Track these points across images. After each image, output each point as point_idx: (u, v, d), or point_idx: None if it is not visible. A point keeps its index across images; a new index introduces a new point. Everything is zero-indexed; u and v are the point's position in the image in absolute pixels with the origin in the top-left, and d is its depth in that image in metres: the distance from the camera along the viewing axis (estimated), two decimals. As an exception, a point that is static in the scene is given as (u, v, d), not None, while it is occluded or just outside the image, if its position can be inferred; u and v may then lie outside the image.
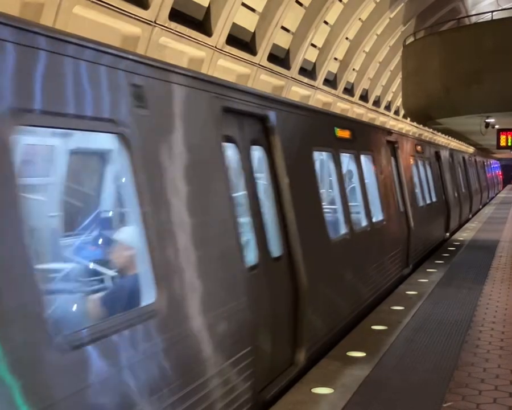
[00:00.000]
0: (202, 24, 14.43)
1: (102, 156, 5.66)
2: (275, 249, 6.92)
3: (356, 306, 9.60)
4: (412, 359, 7.45)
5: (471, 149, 44.22)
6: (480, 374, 6.90)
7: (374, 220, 11.23)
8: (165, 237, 4.72)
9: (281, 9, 17.03)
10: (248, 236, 6.47)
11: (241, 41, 16.64)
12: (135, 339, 4.24)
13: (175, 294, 4.76)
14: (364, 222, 10.71)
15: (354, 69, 25.65)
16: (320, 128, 9.21)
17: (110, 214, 5.81)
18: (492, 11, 18.62)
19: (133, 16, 11.73)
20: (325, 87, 22.99)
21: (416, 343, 8.14)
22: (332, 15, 20.99)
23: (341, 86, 24.56)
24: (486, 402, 6.13)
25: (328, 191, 11.32)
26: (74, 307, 4.94)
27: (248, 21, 16.80)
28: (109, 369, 3.92)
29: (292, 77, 19.82)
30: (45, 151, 5.58)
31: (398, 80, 28.36)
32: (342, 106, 25.27)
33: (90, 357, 3.78)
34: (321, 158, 10.46)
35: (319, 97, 22.73)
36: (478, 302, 10.39)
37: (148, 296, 4.51)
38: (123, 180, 4.71)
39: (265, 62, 17.66)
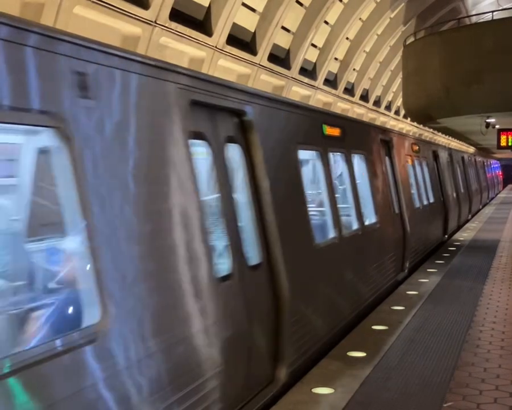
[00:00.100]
0: (202, 24, 14.43)
1: (33, 154, 4.68)
2: (253, 256, 6.37)
3: (345, 315, 9.07)
4: (413, 359, 7.45)
5: (471, 149, 44.20)
6: (480, 374, 6.90)
7: (366, 222, 10.71)
8: (114, 245, 4.16)
9: (282, 9, 17.03)
10: (220, 243, 5.97)
11: (241, 41, 16.64)
12: (71, 367, 3.64)
13: (126, 312, 4.15)
14: (355, 226, 10.16)
15: (354, 69, 25.65)
16: (305, 126, 8.63)
17: (45, 221, 4.87)
18: (492, 11, 18.61)
19: (133, 16, 11.73)
20: (326, 87, 22.99)
21: (416, 343, 8.14)
22: (332, 15, 20.99)
23: (342, 86, 24.56)
24: (486, 402, 6.13)
25: (315, 193, 10.68)
26: None
27: (248, 21, 16.80)
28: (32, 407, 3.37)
29: (292, 77, 19.82)
30: None
31: (398, 80, 28.36)
32: (342, 106, 25.27)
33: (10, 392, 3.24)
34: (307, 158, 9.89)
35: (319, 97, 22.73)
36: (479, 302, 10.38)
37: (91, 315, 3.92)
38: (61, 180, 4.07)
39: (265, 62, 17.66)
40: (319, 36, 20.76)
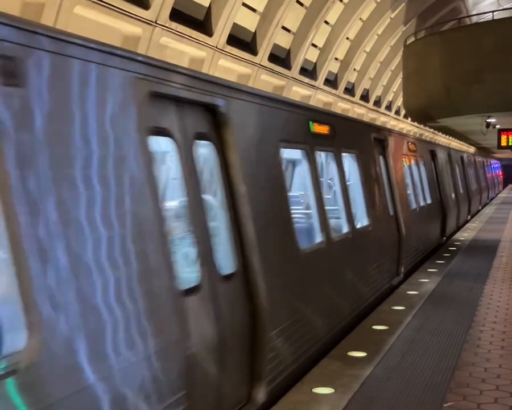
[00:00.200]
0: (202, 24, 14.43)
1: None
2: (226, 265, 5.81)
3: (333, 326, 8.51)
4: (413, 359, 7.45)
5: (472, 149, 44.19)
6: (481, 374, 6.90)
7: (357, 225, 10.16)
8: (45, 256, 3.60)
9: (282, 9, 17.03)
10: (187, 252, 5.46)
11: (242, 41, 16.64)
12: None
13: (60, 336, 3.54)
14: (345, 229, 9.55)
15: (354, 69, 25.65)
16: (290, 122, 7.99)
17: None
18: (493, 11, 18.62)
19: (134, 16, 11.74)
20: (326, 87, 22.99)
21: (416, 343, 8.14)
22: (333, 14, 20.99)
23: (342, 86, 24.56)
24: (487, 402, 6.13)
25: (300, 195, 10.35)
26: None
27: (249, 21, 16.80)
28: None
29: (292, 77, 19.82)
30: None
31: (399, 80, 28.36)
32: (342, 106, 25.27)
33: None
34: (291, 157, 9.53)
35: (320, 97, 22.73)
36: (479, 302, 10.38)
37: (13, 341, 3.33)
38: None
39: (266, 62, 17.66)
40: (319, 36, 20.76)
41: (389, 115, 32.99)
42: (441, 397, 6.23)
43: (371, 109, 29.43)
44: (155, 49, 12.42)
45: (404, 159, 15.13)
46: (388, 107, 32.80)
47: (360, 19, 23.01)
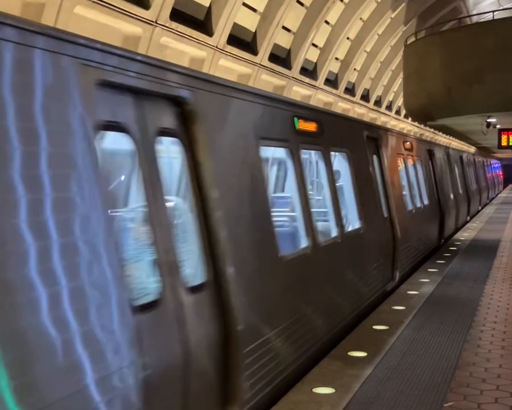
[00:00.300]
0: (203, 24, 14.42)
1: None
2: (194, 275, 5.32)
3: (320, 337, 7.93)
4: (413, 359, 7.45)
5: (472, 149, 44.17)
6: (481, 374, 6.90)
7: (347, 229, 9.69)
8: None
9: (282, 9, 17.02)
10: (145, 263, 5.00)
11: (242, 41, 16.63)
12: None
13: None
14: (334, 233, 8.99)
15: (355, 69, 25.64)
16: (271, 118, 7.41)
17: None
18: (493, 11, 18.62)
19: (134, 16, 11.73)
20: (326, 87, 22.98)
21: (417, 342, 8.14)
22: (333, 14, 20.98)
23: (342, 86, 24.55)
24: (487, 402, 6.13)
25: (284, 196, 9.85)
26: None
27: (249, 21, 16.80)
28: None
29: (293, 77, 19.81)
30: None
31: (399, 80, 28.36)
32: (343, 106, 25.26)
33: None
34: (273, 155, 9.13)
35: (320, 97, 22.72)
36: (480, 302, 10.38)
37: None
38: None
39: (266, 62, 17.66)
40: (320, 35, 20.75)
41: (389, 115, 32.98)
42: (441, 397, 6.23)
43: (372, 109, 29.43)
44: (155, 49, 12.41)
45: (399, 159, 14.66)
46: (389, 107, 32.80)
47: (360, 18, 23.00)
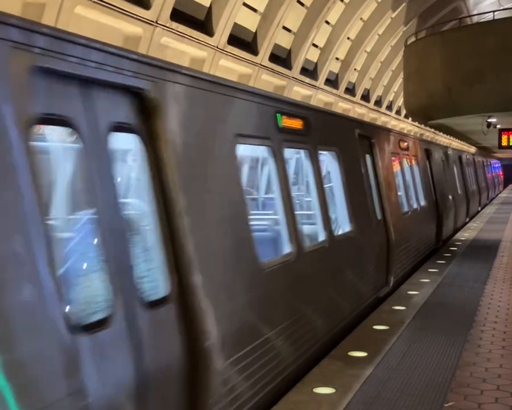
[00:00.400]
0: (203, 24, 14.42)
1: None
2: (154, 287, 4.76)
3: (305, 351, 7.36)
4: (414, 359, 7.45)
5: (472, 149, 44.14)
6: (482, 374, 6.90)
7: (336, 232, 9.16)
8: None
9: (283, 9, 17.02)
10: (89, 276, 4.49)
11: (243, 41, 16.63)
12: None
13: None
14: (321, 237, 8.43)
15: (355, 69, 25.64)
16: (250, 114, 6.84)
17: None
18: (494, 11, 18.61)
19: (134, 16, 11.73)
20: (327, 87, 22.98)
21: (417, 342, 8.14)
22: (333, 14, 20.98)
23: (343, 86, 24.55)
24: (487, 402, 6.13)
25: (264, 198, 9.50)
26: None
27: (249, 21, 16.80)
28: None
29: (293, 77, 19.81)
30: None
31: (399, 80, 28.35)
32: (343, 106, 25.26)
33: None
34: (251, 154, 8.67)
35: (320, 97, 22.72)
36: (480, 302, 10.38)
37: None
38: None
39: (266, 62, 17.66)
40: (320, 36, 20.75)
41: (390, 115, 32.98)
42: (442, 397, 6.23)
43: (372, 109, 29.43)
44: (155, 49, 12.42)
45: (394, 158, 14.12)
46: (389, 107, 32.79)
47: (361, 19, 23.00)
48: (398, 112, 34.45)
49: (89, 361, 3.77)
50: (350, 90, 26.18)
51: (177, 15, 13.06)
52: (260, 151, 8.01)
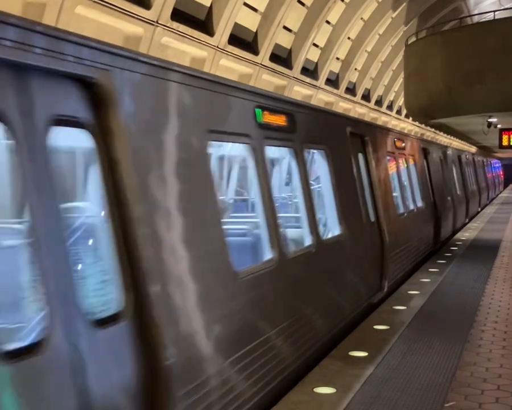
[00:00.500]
0: (204, 23, 14.43)
1: None
2: (104, 303, 4.30)
3: (284, 370, 6.63)
4: (414, 359, 7.45)
5: (473, 148, 44.13)
6: (482, 374, 6.90)
7: (324, 236, 8.62)
8: None
9: (283, 9, 17.02)
10: (20, 296, 3.95)
11: (243, 41, 16.63)
12: None
13: None
14: (307, 241, 7.89)
15: (356, 69, 25.64)
16: (225, 109, 6.23)
17: None
18: (494, 11, 18.61)
19: (135, 16, 11.74)
20: (327, 87, 22.98)
21: (418, 342, 8.14)
22: (334, 14, 20.98)
23: (343, 85, 24.55)
24: (488, 402, 6.13)
25: (241, 200, 9.00)
26: None
27: (250, 21, 16.80)
28: None
29: (294, 77, 19.81)
30: None
31: (400, 80, 28.35)
32: (344, 106, 25.26)
33: None
34: (228, 153, 8.24)
35: (321, 97, 22.73)
36: (481, 302, 10.38)
37: None
38: None
39: (267, 62, 17.66)
40: (321, 35, 20.75)
41: (390, 115, 32.99)
42: (442, 396, 6.23)
43: (373, 109, 29.43)
44: (156, 49, 12.42)
45: (389, 158, 13.61)
46: (390, 107, 32.79)
47: (361, 18, 23.00)
48: (399, 112, 34.45)
49: (16, 392, 3.20)
50: (351, 90, 26.18)
51: (177, 15, 13.07)
52: (239, 149, 7.54)
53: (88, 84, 4.20)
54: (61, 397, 3.56)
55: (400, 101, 31.78)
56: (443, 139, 40.78)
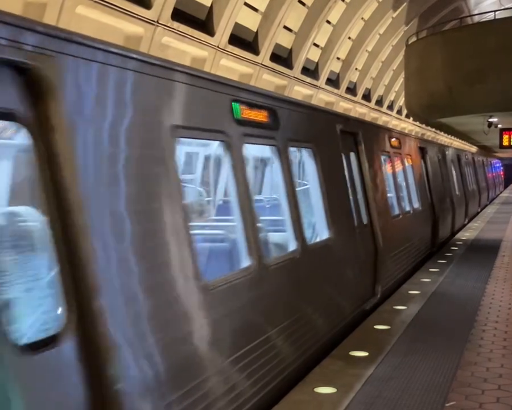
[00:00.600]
0: (204, 23, 14.43)
1: None
2: (38, 324, 3.82)
3: (258, 392, 5.92)
4: (415, 359, 7.45)
5: (473, 148, 44.11)
6: (483, 373, 6.90)
7: (311, 240, 8.12)
8: None
9: (284, 9, 17.03)
10: None
11: (244, 40, 16.63)
12: None
13: None
14: (291, 246, 7.29)
15: (356, 69, 25.64)
16: (196, 103, 5.66)
17: None
18: (495, 11, 18.61)
19: (136, 16, 11.74)
20: (328, 87, 22.98)
21: (418, 342, 8.14)
22: (335, 14, 20.98)
23: (344, 85, 24.55)
24: (489, 402, 6.13)
25: (214, 201, 8.50)
26: None
27: (250, 21, 16.80)
28: None
29: (294, 77, 19.81)
30: None
31: (401, 80, 28.34)
32: (344, 106, 25.26)
33: None
34: (200, 150, 7.63)
35: (322, 97, 22.73)
36: (481, 302, 10.38)
37: None
38: None
39: (267, 62, 17.66)
40: (321, 35, 20.75)
41: (391, 115, 32.99)
42: (443, 396, 6.23)
43: (373, 109, 29.43)
44: (156, 49, 12.42)
45: (384, 157, 13.08)
46: (390, 107, 32.79)
47: (362, 18, 23.00)
48: (399, 112, 34.45)
49: None
50: (351, 90, 26.18)
51: (178, 15, 13.07)
52: (213, 146, 6.99)
53: (25, 71, 3.66)
54: None
55: (401, 101, 31.77)
56: (444, 139, 40.78)
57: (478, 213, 31.72)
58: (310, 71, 21.51)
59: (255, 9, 16.79)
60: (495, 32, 16.17)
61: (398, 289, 11.61)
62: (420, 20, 26.92)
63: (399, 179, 14.29)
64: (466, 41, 16.67)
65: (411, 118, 32.71)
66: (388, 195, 12.89)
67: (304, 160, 8.70)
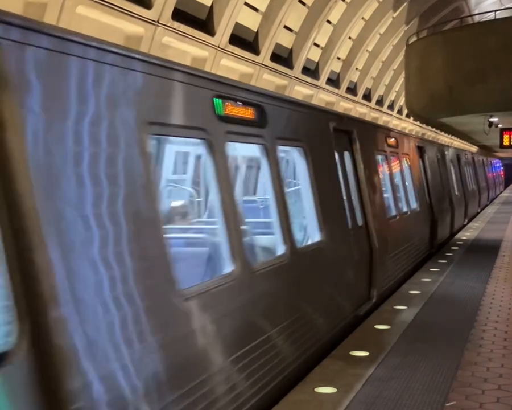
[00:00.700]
0: (205, 23, 14.43)
1: None
2: None
3: (240, 405, 5.49)
4: (415, 358, 7.45)
5: (474, 148, 44.10)
6: (483, 373, 6.90)
7: (302, 243, 7.84)
8: None
9: (284, 8, 17.03)
10: None
11: (244, 40, 16.64)
12: None
13: None
14: (280, 250, 6.93)
15: (357, 69, 25.64)
16: (174, 98, 5.28)
17: None
18: (495, 10, 18.60)
19: (136, 15, 11.74)
20: (328, 87, 22.98)
21: (419, 342, 8.14)
22: (335, 14, 20.98)
23: (344, 85, 24.55)
24: (489, 402, 6.13)
25: (194, 203, 8.16)
26: None
27: (251, 21, 16.80)
28: None
29: (295, 77, 19.82)
30: None
31: (401, 79, 28.34)
32: (345, 106, 25.27)
33: None
34: (179, 149, 7.37)
35: (322, 96, 22.73)
36: (481, 301, 10.38)
37: None
38: None
39: (268, 62, 17.66)
40: (321, 35, 20.75)
41: (391, 115, 32.99)
42: (443, 396, 6.23)
43: (373, 108, 29.43)
44: (157, 49, 12.43)
45: (380, 157, 12.71)
46: (391, 107, 32.79)
47: (362, 18, 23.00)
48: (400, 111, 34.46)
49: None
50: (352, 90, 26.18)
51: (178, 15, 13.07)
52: (192, 144, 6.69)
53: None
54: None
55: (401, 101, 31.77)
56: (444, 138, 40.78)
57: (477, 213, 31.63)
58: (311, 71, 21.51)
59: (256, 9, 16.79)
60: (496, 32, 16.17)
61: (398, 289, 11.61)
62: (420, 20, 26.92)
63: (396, 179, 13.97)
64: (466, 41, 16.67)
65: (411, 118, 32.71)
66: (385, 195, 12.56)
67: (294, 159, 8.34)
